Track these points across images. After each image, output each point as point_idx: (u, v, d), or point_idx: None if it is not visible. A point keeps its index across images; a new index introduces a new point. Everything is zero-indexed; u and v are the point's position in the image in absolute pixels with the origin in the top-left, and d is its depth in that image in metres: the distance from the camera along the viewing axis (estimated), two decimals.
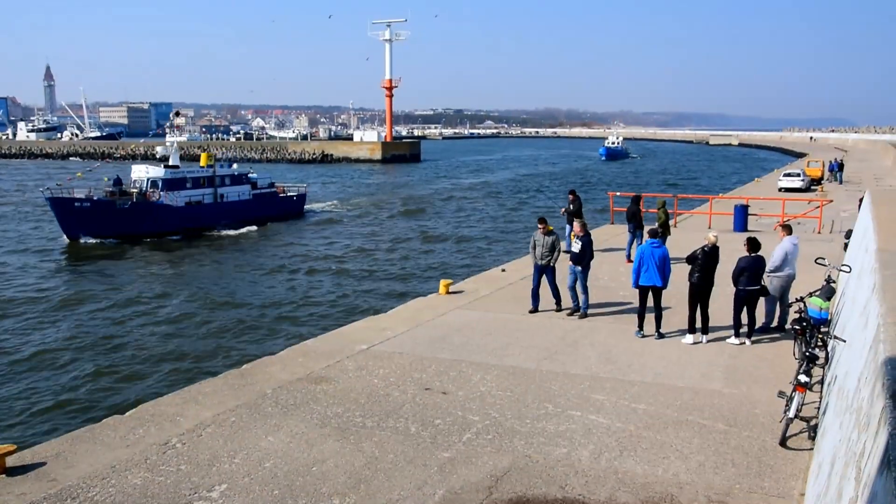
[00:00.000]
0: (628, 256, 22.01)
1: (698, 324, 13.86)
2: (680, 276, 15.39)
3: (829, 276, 12.37)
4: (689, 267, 13.95)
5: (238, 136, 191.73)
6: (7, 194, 73.12)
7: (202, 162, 52.47)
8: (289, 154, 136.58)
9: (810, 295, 11.32)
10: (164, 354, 22.08)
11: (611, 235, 27.59)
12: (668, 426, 9.85)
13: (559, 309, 16.08)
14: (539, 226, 16.29)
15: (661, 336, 14.09)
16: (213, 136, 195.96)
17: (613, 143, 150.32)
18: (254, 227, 50.09)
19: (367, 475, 8.43)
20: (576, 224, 16.36)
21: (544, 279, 16.17)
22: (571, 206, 23.57)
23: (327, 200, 66.87)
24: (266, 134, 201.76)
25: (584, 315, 15.61)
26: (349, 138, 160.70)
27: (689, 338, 13.81)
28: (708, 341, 13.78)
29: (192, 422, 9.98)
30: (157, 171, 48.19)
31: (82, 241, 43.91)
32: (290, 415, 10.25)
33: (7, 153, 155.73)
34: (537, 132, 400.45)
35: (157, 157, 54.55)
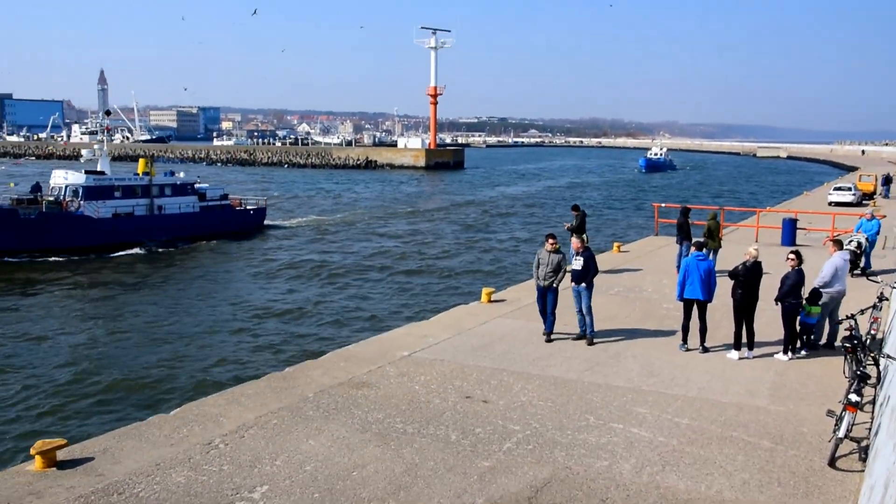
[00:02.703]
0: (677, 267, 21.73)
1: (744, 339, 13.65)
2: (725, 290, 15.16)
3: (881, 293, 12.08)
4: (733, 282, 13.75)
5: (284, 140, 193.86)
6: None
7: (139, 168, 46.40)
8: (333, 160, 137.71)
9: (861, 312, 11.07)
10: (204, 356, 22.38)
11: (655, 247, 27.31)
12: (711, 442, 9.70)
13: (549, 339, 14.54)
14: (547, 242, 14.86)
15: (705, 350, 13.90)
16: (260, 140, 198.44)
17: (656, 154, 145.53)
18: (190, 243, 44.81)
19: (407, 482, 8.44)
20: (574, 240, 15.12)
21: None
22: (574, 222, 22.34)
23: (367, 204, 67.20)
24: (311, 139, 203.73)
25: (592, 341, 14.32)
26: (393, 145, 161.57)
27: (734, 353, 13.59)
28: (754, 357, 13.55)
29: (235, 423, 10.09)
30: (77, 178, 42.49)
31: None
32: (332, 419, 10.30)
33: (62, 155, 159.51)
34: (581, 142, 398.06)
35: (82, 160, 48.56)
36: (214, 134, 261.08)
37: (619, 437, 9.82)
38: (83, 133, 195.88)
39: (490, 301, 18.02)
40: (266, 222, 52.94)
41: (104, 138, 48.67)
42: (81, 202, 41.34)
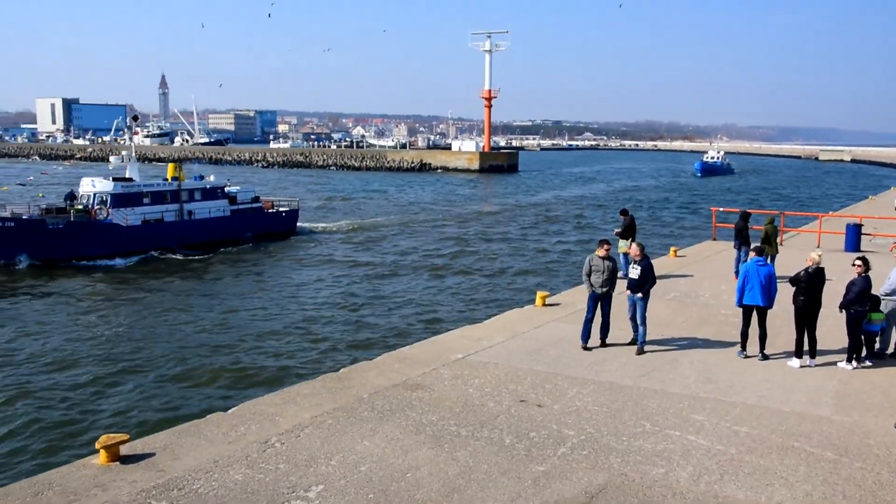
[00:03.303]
0: (736, 273, 21.31)
1: (806, 347, 13.32)
2: (786, 296, 14.81)
3: None
4: (794, 288, 13.43)
5: (339, 143, 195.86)
6: None
7: (168, 173, 45.65)
8: (388, 162, 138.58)
9: None
10: (256, 356, 22.71)
11: (713, 252, 26.86)
12: (772, 452, 9.48)
13: (605, 343, 14.40)
14: (600, 248, 14.33)
15: (764, 357, 13.60)
16: (316, 143, 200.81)
17: (713, 157, 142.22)
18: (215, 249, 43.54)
19: (461, 485, 8.43)
20: (633, 247, 14.65)
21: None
22: (622, 227, 21.83)
23: (424, 204, 67.40)
24: (366, 142, 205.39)
25: (642, 350, 13.95)
26: (447, 148, 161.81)
27: (795, 361, 13.28)
28: (816, 365, 13.21)
29: (291, 422, 10.21)
30: (105, 185, 41.55)
31: None
32: (386, 420, 10.36)
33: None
34: (637, 145, 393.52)
35: (110, 167, 46.70)
36: (271, 137, 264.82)
37: (675, 444, 9.67)
38: (145, 136, 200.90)
39: (544, 305, 17.93)
40: (303, 224, 52.62)
41: (132, 144, 48.32)
42: (110, 210, 40.83)
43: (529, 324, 16.18)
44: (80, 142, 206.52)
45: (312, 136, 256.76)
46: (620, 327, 14.88)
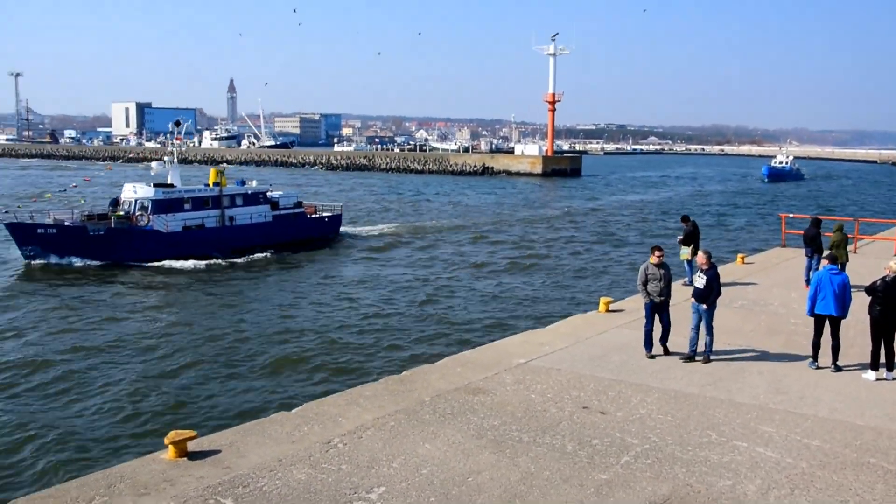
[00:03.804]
0: (807, 281, 20.71)
1: (882, 359, 12.86)
2: (860, 306, 14.33)
3: None
4: (870, 298, 12.97)
5: (402, 146, 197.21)
6: None
7: (210, 179, 45.39)
8: (450, 166, 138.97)
9: None
10: (316, 357, 22.98)
11: (782, 259, 26.18)
12: (845, 467, 9.17)
13: (667, 350, 14.03)
14: (655, 255, 13.99)
15: (837, 369, 13.17)
16: (379, 146, 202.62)
17: (781, 162, 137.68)
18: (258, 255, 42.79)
19: (523, 490, 8.37)
20: (700, 255, 14.10)
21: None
22: (685, 234, 21.29)
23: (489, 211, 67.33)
24: (429, 146, 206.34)
25: (708, 360, 13.55)
26: (510, 151, 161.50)
27: (870, 374, 12.83)
28: (893, 378, 12.74)
29: (353, 423, 10.29)
30: (146, 191, 41.60)
31: (34, 263, 38.30)
32: (448, 423, 10.35)
33: (193, 160, 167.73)
34: (703, 149, 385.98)
35: (152, 172, 46.01)
36: (335, 140, 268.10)
37: (743, 455, 9.43)
38: (213, 139, 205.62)
39: (608, 310, 17.72)
40: (348, 229, 52.24)
41: (174, 150, 48.01)
42: (151, 216, 40.71)
43: (592, 329, 16.01)
44: (151, 144, 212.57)
45: (376, 140, 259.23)
46: (683, 335, 14.61)
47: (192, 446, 9.16)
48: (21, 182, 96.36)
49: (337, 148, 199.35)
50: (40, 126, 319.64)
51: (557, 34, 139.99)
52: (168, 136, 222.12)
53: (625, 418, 10.70)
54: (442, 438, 9.82)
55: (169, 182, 43.59)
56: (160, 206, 40.96)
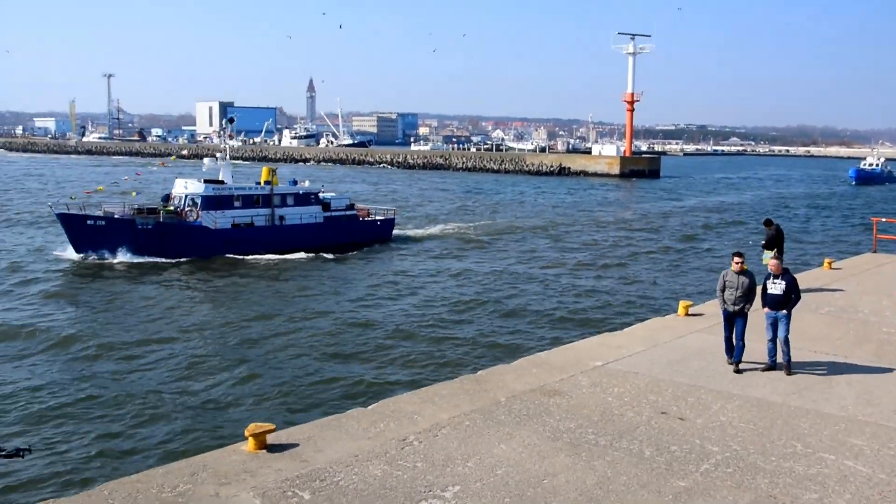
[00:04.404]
0: None
1: None
2: None
3: None
4: None
5: (478, 146, 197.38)
6: None
7: (262, 177, 45.10)
8: (526, 166, 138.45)
9: None
10: (396, 354, 23.16)
11: (873, 265, 25.19)
12: None
13: (738, 369, 13.08)
14: (735, 261, 13.35)
15: None
16: (456, 146, 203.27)
17: (871, 164, 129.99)
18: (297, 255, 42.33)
19: (599, 495, 8.26)
20: (772, 261, 13.46)
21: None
22: (767, 238, 20.42)
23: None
24: (505, 145, 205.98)
25: (790, 371, 12.83)
26: (587, 152, 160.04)
27: None
28: None
29: (429, 421, 10.32)
30: (196, 187, 41.74)
31: (88, 258, 38.81)
32: (523, 425, 10.30)
33: (273, 157, 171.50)
34: (787, 151, 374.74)
35: (204, 168, 45.36)
36: (412, 139, 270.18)
37: (830, 468, 9.10)
38: (292, 137, 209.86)
39: (687, 314, 17.35)
40: (405, 232, 51.59)
41: (226, 146, 48.18)
42: (200, 212, 40.81)
43: (671, 333, 15.70)
44: (233, 142, 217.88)
45: (453, 140, 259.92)
46: (762, 341, 14.19)
47: (270, 439, 9.34)
48: (108, 177, 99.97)
49: (413, 147, 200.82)
50: (129, 125, 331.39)
51: (637, 35, 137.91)
52: (248, 134, 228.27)
53: (704, 425, 10.46)
54: (517, 439, 9.77)
55: (220, 178, 43.68)
56: (209, 203, 41.16)
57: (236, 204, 42.24)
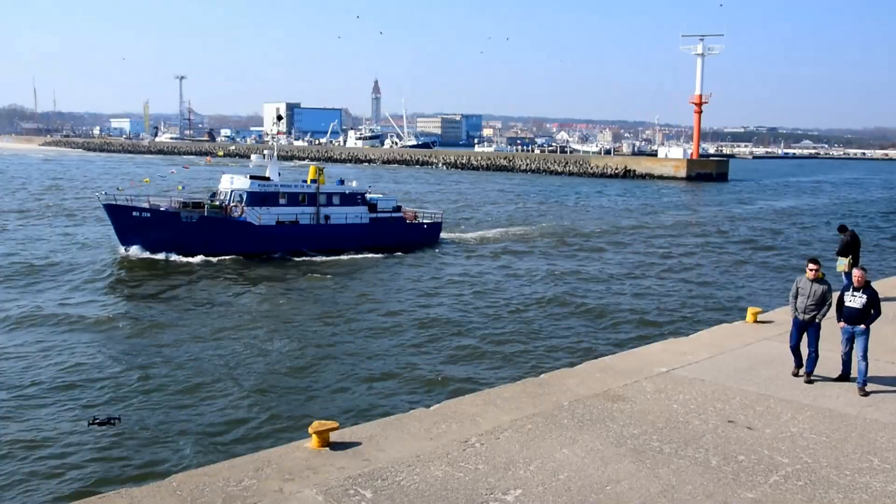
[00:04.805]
0: None
1: None
2: None
3: None
4: None
5: (543, 148, 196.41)
6: None
7: (309, 176, 44.76)
8: (591, 168, 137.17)
9: None
10: (457, 355, 23.16)
11: None
12: None
13: (810, 379, 12.67)
14: (809, 268, 12.88)
15: None
16: (520, 147, 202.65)
17: None
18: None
19: (663, 503, 8.11)
20: (856, 272, 12.74)
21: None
22: (841, 245, 19.84)
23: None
24: (570, 147, 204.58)
25: (864, 391, 12.05)
26: (653, 154, 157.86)
27: None
28: None
29: (491, 424, 10.29)
30: (242, 183, 41.81)
31: (126, 251, 39.13)
32: (586, 429, 10.18)
33: (338, 158, 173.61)
34: (863, 154, 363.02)
35: (251, 164, 45.23)
36: (475, 140, 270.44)
37: None
38: (357, 139, 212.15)
39: (756, 321, 16.94)
40: (451, 235, 50.59)
41: (274, 144, 47.89)
42: (245, 208, 40.73)
43: (739, 340, 15.34)
44: (299, 143, 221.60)
45: (518, 141, 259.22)
46: (835, 350, 13.74)
47: (333, 437, 9.43)
48: (174, 176, 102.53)
49: (477, 148, 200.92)
50: (200, 125, 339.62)
51: (705, 36, 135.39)
52: (314, 135, 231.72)
53: (774, 435, 10.18)
54: (580, 444, 9.67)
55: (267, 175, 43.59)
56: (255, 199, 41.10)
57: (281, 201, 42.09)
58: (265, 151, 46.20)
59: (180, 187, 52.25)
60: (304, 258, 40.97)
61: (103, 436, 16.50)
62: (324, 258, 41.20)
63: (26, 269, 35.37)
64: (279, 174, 44.28)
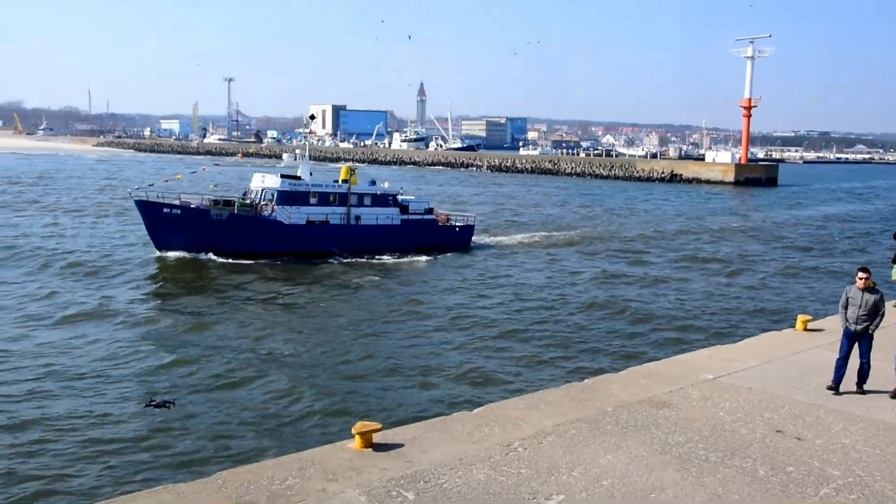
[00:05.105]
0: None
1: None
2: None
3: None
4: None
5: (588, 151, 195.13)
6: None
7: (341, 175, 44.44)
8: (636, 172, 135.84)
9: None
10: (497, 358, 23.09)
11: None
12: None
13: (862, 390, 12.29)
14: (859, 277, 12.36)
15: None
16: (565, 151, 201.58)
17: None
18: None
19: None
20: None
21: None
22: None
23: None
24: (615, 151, 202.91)
25: None
26: (700, 158, 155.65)
27: None
28: None
29: (534, 428, 10.23)
30: (273, 182, 41.87)
31: (162, 253, 39.48)
32: (630, 436, 10.07)
33: (383, 160, 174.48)
34: None
35: (282, 164, 45.52)
36: (520, 143, 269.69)
37: None
38: (402, 141, 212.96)
39: (805, 329, 16.60)
40: (483, 239, 49.90)
41: (307, 143, 47.55)
42: (275, 206, 40.73)
43: (788, 348, 15.05)
44: (345, 145, 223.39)
45: (563, 145, 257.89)
46: (884, 360, 13.39)
47: (376, 438, 9.46)
48: (221, 177, 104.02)
49: (522, 151, 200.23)
50: (247, 127, 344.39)
51: (757, 37, 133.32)
52: (359, 137, 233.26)
53: (824, 447, 9.95)
54: (624, 450, 9.56)
55: (298, 174, 43.40)
56: (285, 198, 41.01)
57: (312, 201, 41.94)
58: (297, 151, 46.20)
59: (212, 185, 52.70)
60: (334, 258, 41.03)
61: (158, 418, 17.10)
62: (355, 259, 41.33)
63: (77, 266, 36.28)
64: (311, 173, 44.16)
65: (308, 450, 9.57)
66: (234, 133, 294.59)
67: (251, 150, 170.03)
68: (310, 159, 46.45)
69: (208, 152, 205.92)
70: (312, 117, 52.87)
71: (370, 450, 9.23)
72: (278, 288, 33.47)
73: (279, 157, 66.50)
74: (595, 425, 10.41)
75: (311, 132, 51.80)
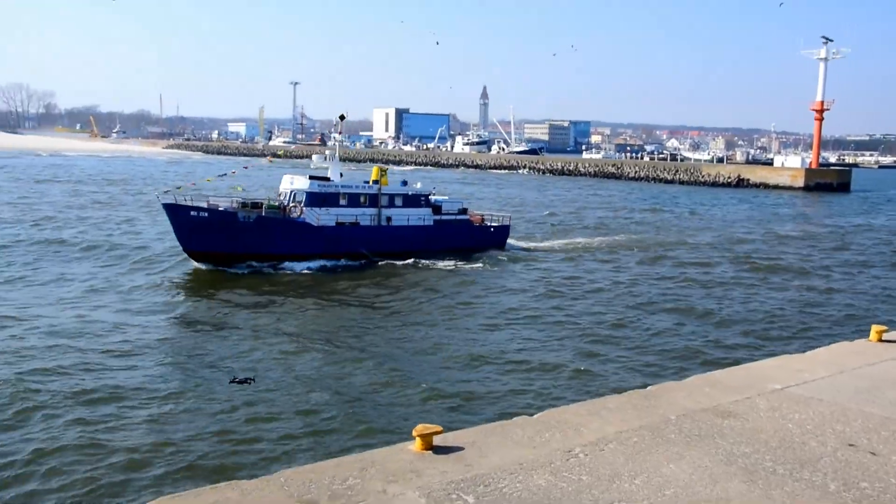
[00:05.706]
0: None
1: None
2: None
3: None
4: None
5: (652, 155, 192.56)
6: None
7: (372, 176, 43.94)
8: (702, 177, 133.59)
9: None
10: (556, 363, 22.93)
11: None
12: None
13: None
14: None
15: None
16: (629, 154, 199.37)
17: None
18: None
19: None
20: None
21: None
22: None
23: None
24: (680, 155, 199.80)
25: None
26: (769, 163, 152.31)
27: None
28: None
29: (595, 435, 10.11)
30: (302, 183, 41.32)
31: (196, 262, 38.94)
32: (694, 445, 9.87)
33: (445, 163, 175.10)
34: None
35: (312, 165, 46.18)
36: (583, 147, 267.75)
37: None
38: (464, 144, 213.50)
39: (881, 340, 16.03)
40: (517, 242, 49.49)
41: (336, 144, 48.09)
42: (304, 208, 40.35)
43: (860, 359, 14.54)
44: (408, 148, 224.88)
45: (627, 148, 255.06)
46: None
47: (437, 440, 9.45)
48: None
49: (585, 155, 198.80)
50: (311, 130, 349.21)
51: (831, 40, 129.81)
52: (422, 140, 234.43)
53: None
54: (688, 460, 9.38)
55: (328, 176, 43.05)
56: (314, 199, 40.54)
57: (342, 202, 41.49)
58: (327, 152, 46.20)
59: (240, 188, 53.42)
60: (366, 260, 40.68)
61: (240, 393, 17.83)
62: (388, 261, 40.80)
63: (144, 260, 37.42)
64: (341, 174, 43.89)
65: (369, 451, 9.64)
66: (299, 136, 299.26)
67: (280, 153, 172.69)
68: (371, 162, 46.84)
69: (273, 155, 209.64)
70: (342, 117, 53.39)
71: (430, 452, 9.24)
72: (329, 292, 33.92)
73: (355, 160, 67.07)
74: (658, 433, 10.25)
75: (339, 130, 51.75)
